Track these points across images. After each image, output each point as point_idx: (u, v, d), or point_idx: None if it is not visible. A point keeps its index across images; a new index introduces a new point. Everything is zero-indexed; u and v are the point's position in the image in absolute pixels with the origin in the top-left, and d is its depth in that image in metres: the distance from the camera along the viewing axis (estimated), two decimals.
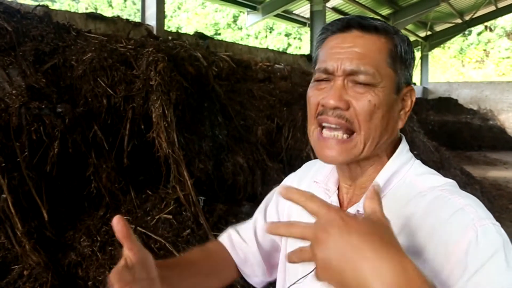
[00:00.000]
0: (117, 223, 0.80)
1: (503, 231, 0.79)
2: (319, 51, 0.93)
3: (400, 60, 0.88)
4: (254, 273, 1.15)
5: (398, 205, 0.85)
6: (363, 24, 0.88)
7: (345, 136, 0.86)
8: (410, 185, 0.88)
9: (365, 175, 0.92)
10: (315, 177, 1.03)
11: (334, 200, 0.96)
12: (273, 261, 1.15)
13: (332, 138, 0.87)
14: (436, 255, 0.76)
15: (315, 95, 0.90)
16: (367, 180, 0.91)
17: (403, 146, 0.94)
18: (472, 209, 0.78)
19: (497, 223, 0.79)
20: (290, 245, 1.07)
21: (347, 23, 0.89)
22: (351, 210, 0.90)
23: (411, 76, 0.92)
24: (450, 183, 0.87)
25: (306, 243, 0.97)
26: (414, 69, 0.95)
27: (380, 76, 0.85)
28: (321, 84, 0.90)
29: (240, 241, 1.15)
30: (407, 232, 0.81)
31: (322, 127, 0.89)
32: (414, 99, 0.92)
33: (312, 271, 0.92)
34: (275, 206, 1.14)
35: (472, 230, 0.75)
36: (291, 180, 1.16)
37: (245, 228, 1.17)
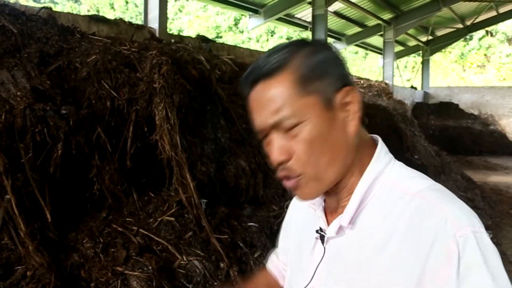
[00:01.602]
0: None
1: (485, 237, 0.79)
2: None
3: (312, 77, 0.85)
4: None
5: (381, 213, 0.85)
6: (259, 75, 0.86)
7: (294, 179, 0.87)
8: (391, 190, 0.87)
9: (346, 188, 0.91)
10: None
11: (319, 215, 0.97)
12: None
13: (289, 183, 0.88)
14: (424, 273, 0.77)
15: (268, 153, 0.90)
16: (348, 191, 0.90)
17: (380, 149, 0.92)
18: (454, 218, 0.78)
19: (481, 230, 0.79)
20: (290, 258, 1.11)
21: (249, 83, 0.89)
22: (336, 221, 0.90)
23: (340, 78, 0.87)
24: (432, 186, 0.86)
25: (301, 254, 1.01)
26: (342, 68, 0.89)
27: (300, 112, 0.84)
28: (265, 140, 0.90)
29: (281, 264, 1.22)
30: (393, 244, 0.82)
31: None
32: (356, 95, 0.88)
33: (308, 284, 0.94)
34: (285, 233, 1.19)
35: (454, 244, 0.76)
36: (293, 200, 1.17)
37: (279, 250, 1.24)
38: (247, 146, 4.17)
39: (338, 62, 0.89)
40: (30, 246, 2.55)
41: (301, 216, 1.07)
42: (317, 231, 0.94)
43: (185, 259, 2.85)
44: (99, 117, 3.15)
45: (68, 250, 2.77)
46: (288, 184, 0.88)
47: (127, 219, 3.09)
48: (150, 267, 2.68)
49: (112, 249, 2.82)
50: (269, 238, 3.32)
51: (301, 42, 0.89)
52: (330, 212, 0.96)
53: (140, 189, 3.31)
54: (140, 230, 2.99)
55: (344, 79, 0.88)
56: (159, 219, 3.09)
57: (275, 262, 1.25)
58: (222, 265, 2.92)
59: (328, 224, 0.94)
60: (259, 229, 3.36)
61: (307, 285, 0.95)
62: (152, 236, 2.97)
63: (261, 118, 0.87)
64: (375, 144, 0.93)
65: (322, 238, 0.93)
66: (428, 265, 0.77)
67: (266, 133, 0.88)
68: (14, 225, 2.61)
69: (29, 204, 2.72)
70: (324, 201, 0.98)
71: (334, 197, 0.94)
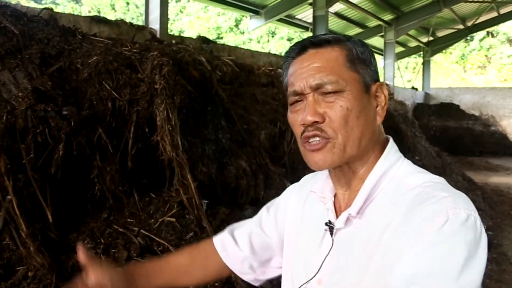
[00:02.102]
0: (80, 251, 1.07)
1: (478, 224, 0.81)
2: (287, 78, 0.99)
3: (359, 61, 0.94)
4: (243, 270, 1.21)
5: (388, 204, 0.89)
6: (315, 41, 0.95)
7: (323, 140, 0.91)
8: (399, 185, 0.91)
9: (357, 177, 0.96)
10: (312, 188, 1.08)
11: (329, 207, 1.00)
12: (266, 264, 1.20)
13: (314, 146, 0.91)
14: (407, 239, 0.80)
15: (293, 118, 0.96)
16: (359, 183, 0.95)
17: (391, 147, 0.97)
18: (450, 199, 0.82)
19: (475, 215, 0.81)
20: (289, 250, 1.11)
21: (301, 46, 0.96)
22: (345, 213, 0.93)
23: (376, 73, 0.97)
24: (436, 179, 0.90)
25: (308, 247, 1.02)
26: (376, 66, 0.99)
27: (345, 81, 0.91)
28: (296, 106, 0.96)
29: (232, 243, 1.20)
30: (391, 231, 0.85)
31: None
32: (386, 93, 0.97)
33: (315, 276, 0.95)
34: (274, 213, 1.19)
35: (443, 215, 0.78)
36: (291, 190, 1.21)
37: (241, 231, 1.22)
38: (248, 147, 4.17)
39: (375, 60, 0.99)
40: (31, 247, 2.55)
41: (309, 208, 1.08)
42: (326, 224, 0.97)
43: None
44: (100, 118, 3.15)
45: (69, 251, 2.77)
46: (312, 146, 0.91)
47: (128, 219, 3.10)
48: None
49: (113, 250, 2.83)
50: None
51: (348, 35, 0.99)
52: (340, 206, 0.99)
53: (141, 190, 3.31)
54: (141, 230, 2.99)
55: (378, 75, 0.98)
56: (160, 220, 3.09)
57: (226, 242, 1.22)
58: None
59: (337, 218, 0.97)
60: None
61: (313, 277, 0.97)
62: (153, 236, 2.97)
63: (305, 79, 0.92)
64: (388, 142, 0.99)
65: (331, 230, 0.96)
66: (413, 231, 0.80)
67: (301, 96, 0.94)
68: (16, 225, 2.61)
69: (30, 204, 2.73)
70: (334, 196, 1.02)
71: (345, 186, 0.98)
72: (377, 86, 0.96)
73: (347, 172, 0.96)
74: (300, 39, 1.00)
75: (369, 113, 0.93)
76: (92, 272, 1.05)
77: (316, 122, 0.90)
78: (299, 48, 0.96)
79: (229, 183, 3.74)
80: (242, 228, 1.23)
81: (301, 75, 0.93)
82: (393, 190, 0.91)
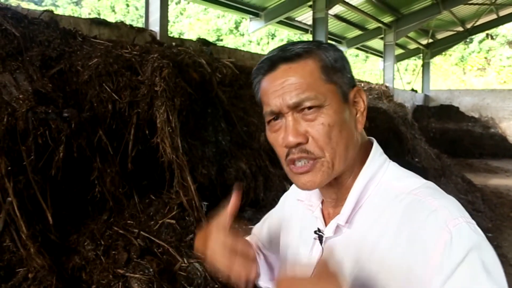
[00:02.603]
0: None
1: (478, 229, 0.80)
2: (259, 96, 0.95)
3: (334, 70, 0.90)
4: (262, 278, 1.19)
5: (377, 211, 0.88)
6: (285, 56, 0.90)
7: (311, 162, 0.88)
8: (386, 191, 0.89)
9: (345, 187, 0.93)
10: (298, 196, 1.06)
11: (317, 215, 0.98)
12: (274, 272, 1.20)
13: (302, 167, 0.88)
14: (416, 263, 0.78)
15: (274, 138, 0.92)
16: (346, 191, 0.92)
17: (375, 151, 0.95)
18: (445, 210, 0.80)
19: (472, 221, 0.81)
20: (285, 258, 1.11)
21: (271, 62, 0.91)
22: (334, 222, 0.92)
23: (352, 78, 0.93)
24: (425, 184, 0.88)
25: (298, 255, 1.01)
26: (351, 71, 0.95)
27: (323, 95, 0.87)
28: (274, 125, 0.91)
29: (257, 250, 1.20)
30: (386, 241, 0.83)
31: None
32: (364, 97, 0.94)
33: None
34: (274, 228, 1.18)
35: (446, 232, 0.77)
36: (284, 199, 1.20)
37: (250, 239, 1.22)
38: (248, 149, 4.18)
39: (349, 64, 0.95)
40: (32, 248, 2.56)
41: (299, 216, 1.08)
42: (315, 232, 0.96)
43: (186, 261, 2.86)
44: (101, 120, 3.16)
45: (69, 252, 2.78)
46: (299, 169, 0.88)
47: (128, 221, 3.10)
48: (151, 270, 2.69)
49: (113, 252, 2.83)
50: None
51: (318, 41, 0.95)
52: (328, 214, 0.98)
53: (141, 192, 3.32)
54: (141, 232, 3.00)
55: (353, 80, 0.94)
56: (160, 221, 3.10)
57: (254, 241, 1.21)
58: None
59: (326, 225, 0.95)
60: None
61: None
62: (153, 238, 2.98)
63: (281, 97, 0.88)
64: (372, 146, 0.97)
65: (320, 238, 0.95)
66: (419, 254, 0.78)
67: (278, 115, 0.90)
68: (16, 227, 2.62)
69: (30, 206, 2.73)
70: (322, 202, 1.00)
71: (333, 196, 0.96)
72: (355, 92, 0.92)
73: (334, 185, 0.94)
74: (268, 55, 0.94)
75: (351, 123, 0.91)
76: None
77: (300, 143, 0.87)
78: (269, 65, 0.91)
79: (229, 185, 3.75)
80: (250, 236, 1.23)
81: (276, 93, 0.88)
82: (381, 196, 0.89)
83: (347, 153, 0.89)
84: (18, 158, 2.73)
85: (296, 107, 0.87)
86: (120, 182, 3.18)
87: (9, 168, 2.67)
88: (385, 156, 0.96)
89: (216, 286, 2.83)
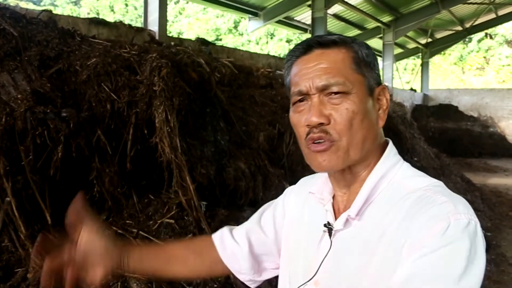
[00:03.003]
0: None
1: (479, 229, 0.81)
2: (290, 77, 0.98)
3: (364, 63, 0.94)
4: (241, 270, 1.18)
5: (386, 207, 0.89)
6: (321, 41, 0.94)
7: (328, 143, 0.90)
8: (397, 188, 0.91)
9: (357, 181, 0.95)
10: (311, 189, 1.07)
11: (328, 209, 0.99)
12: (263, 264, 1.19)
13: (320, 146, 0.91)
14: (409, 239, 0.80)
15: (297, 119, 0.95)
16: (359, 186, 0.94)
17: (390, 150, 0.97)
18: (450, 205, 0.82)
19: (475, 220, 0.82)
20: (287, 251, 1.11)
21: (307, 45, 0.95)
22: (344, 214, 0.93)
23: (379, 76, 0.97)
24: (436, 183, 0.90)
25: (306, 248, 1.02)
26: (379, 69, 0.99)
27: (351, 83, 0.90)
28: (299, 106, 0.95)
29: (230, 239, 1.19)
30: (392, 230, 0.85)
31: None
32: (388, 97, 0.97)
33: (313, 277, 0.95)
34: (272, 213, 1.18)
35: (445, 221, 0.79)
36: (290, 191, 1.20)
37: (239, 229, 1.22)
38: (247, 148, 4.18)
39: (378, 63, 0.99)
40: (30, 248, 2.55)
41: (308, 210, 1.08)
42: (325, 225, 0.96)
43: None
44: (99, 119, 3.16)
45: None
46: (317, 147, 0.91)
47: (127, 221, 3.10)
48: None
49: None
50: None
51: (352, 37, 0.99)
52: (338, 209, 0.99)
53: (140, 192, 3.32)
54: (140, 232, 2.99)
55: (380, 78, 0.98)
56: (159, 221, 3.10)
57: (224, 236, 1.20)
58: None
59: (336, 220, 0.96)
60: None
61: (311, 279, 0.96)
62: (152, 238, 2.97)
63: (311, 79, 0.91)
64: (387, 145, 0.99)
65: (329, 231, 0.95)
66: (415, 232, 0.80)
67: (305, 96, 0.93)
68: (15, 227, 2.62)
69: (29, 206, 2.73)
70: (333, 197, 1.01)
71: (344, 190, 0.98)
72: (380, 90, 0.96)
73: (347, 175, 0.96)
74: (303, 39, 1.00)
75: (372, 116, 0.93)
76: (82, 236, 1.01)
77: (322, 123, 0.90)
78: (305, 48, 0.95)
79: (228, 184, 3.75)
80: (241, 227, 1.22)
81: (307, 75, 0.92)
82: (392, 193, 0.91)
83: (364, 143, 0.92)
84: (17, 158, 2.73)
85: (324, 90, 0.91)
86: (118, 182, 3.17)
87: (8, 168, 2.66)
88: (399, 156, 0.98)
89: (215, 285, 2.83)
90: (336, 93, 0.90)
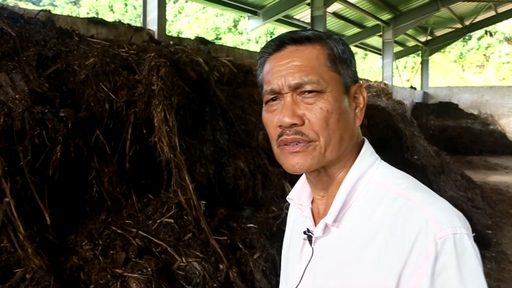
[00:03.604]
0: None
1: (465, 238, 0.80)
2: (262, 75, 0.94)
3: (340, 60, 0.90)
4: None
5: (367, 211, 0.87)
6: (295, 37, 0.90)
7: (304, 144, 0.87)
8: (375, 190, 0.89)
9: (335, 182, 0.93)
10: (289, 195, 1.04)
11: (307, 215, 0.97)
12: None
13: (293, 148, 0.87)
14: (405, 271, 0.80)
15: (269, 119, 0.91)
16: (337, 187, 0.92)
17: (366, 149, 0.94)
18: (434, 221, 0.80)
19: (461, 231, 0.80)
20: (283, 265, 1.10)
21: (280, 41, 0.92)
22: (321, 223, 0.91)
23: (355, 73, 0.94)
24: (416, 186, 0.88)
25: (292, 257, 0.99)
26: (356, 66, 0.96)
27: (325, 81, 0.87)
28: (272, 105, 0.91)
29: None
30: (376, 244, 0.83)
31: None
32: (365, 95, 0.94)
33: (297, 286, 0.94)
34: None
35: (433, 246, 0.78)
36: (291, 205, 1.15)
37: None
38: (246, 147, 4.17)
39: (355, 60, 0.96)
40: (29, 249, 2.55)
41: (292, 218, 1.07)
42: (304, 232, 0.94)
43: (184, 260, 2.85)
44: (98, 119, 3.15)
45: (67, 253, 2.77)
46: (291, 148, 0.87)
47: (126, 221, 3.09)
48: (149, 269, 2.68)
49: (111, 251, 2.83)
50: (268, 239, 3.32)
51: (329, 32, 0.95)
52: (318, 213, 0.96)
53: (139, 191, 3.31)
54: (139, 232, 2.99)
55: (357, 76, 0.95)
56: (158, 221, 3.09)
57: None
58: (221, 266, 2.92)
59: (316, 225, 0.94)
60: (258, 230, 3.36)
61: (296, 287, 0.95)
62: (151, 238, 2.97)
63: (284, 77, 0.88)
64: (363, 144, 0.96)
65: (310, 239, 0.93)
66: (408, 263, 0.79)
67: (278, 95, 0.90)
68: (13, 227, 2.61)
69: (28, 206, 2.72)
70: (312, 201, 0.99)
71: (321, 193, 0.95)
72: (357, 87, 0.92)
73: (323, 177, 0.93)
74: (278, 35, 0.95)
75: (349, 115, 0.90)
76: None
77: (295, 124, 0.86)
78: (277, 44, 0.91)
79: (227, 183, 3.74)
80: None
81: (279, 73, 0.88)
82: (370, 196, 0.88)
83: (341, 143, 0.88)
84: (15, 159, 2.72)
85: (297, 89, 0.87)
86: (118, 182, 3.17)
87: (6, 168, 2.66)
88: (376, 155, 0.95)
89: (215, 285, 2.82)
90: (309, 91, 0.86)
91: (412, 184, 0.88)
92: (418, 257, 0.79)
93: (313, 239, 0.92)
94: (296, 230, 1.01)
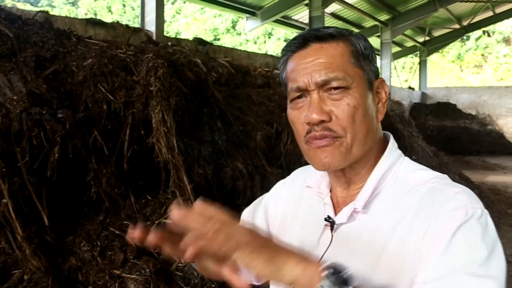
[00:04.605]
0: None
1: (490, 219, 0.83)
2: (286, 73, 0.95)
3: (363, 57, 0.92)
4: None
5: (394, 200, 0.88)
6: (318, 35, 0.91)
7: (331, 139, 0.88)
8: (402, 181, 0.90)
9: (358, 178, 0.94)
10: (307, 182, 1.04)
11: (327, 202, 0.97)
12: None
13: (321, 142, 0.88)
14: (430, 237, 0.79)
15: (296, 116, 0.92)
16: (361, 181, 0.93)
17: (392, 144, 0.96)
18: (464, 196, 0.82)
19: (486, 212, 0.83)
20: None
21: (303, 39, 0.92)
22: (348, 208, 0.91)
23: (377, 69, 0.95)
24: (441, 176, 0.90)
25: (302, 244, 0.98)
26: (376, 62, 0.98)
27: (351, 78, 0.88)
28: (298, 103, 0.92)
29: None
30: (403, 227, 0.83)
31: None
32: (387, 90, 0.96)
33: None
34: (264, 215, 1.13)
35: (464, 210, 0.79)
36: (281, 186, 1.17)
37: None
38: (244, 148, 4.17)
39: (375, 55, 0.97)
40: (27, 250, 2.55)
41: (304, 205, 1.04)
42: (325, 219, 0.94)
43: (182, 261, 2.85)
44: (96, 120, 3.15)
45: (65, 254, 2.77)
46: (320, 142, 0.88)
47: (125, 222, 3.09)
48: (147, 270, 2.68)
49: (110, 252, 2.83)
50: None
51: (350, 29, 0.97)
52: (337, 202, 0.97)
53: (137, 192, 3.31)
54: None
55: (378, 71, 0.96)
56: (157, 221, 3.09)
57: None
58: None
59: (336, 214, 0.94)
60: None
61: None
62: None
63: (310, 75, 0.88)
64: (387, 140, 0.98)
65: (331, 225, 0.93)
66: (432, 225, 0.80)
67: (304, 93, 0.90)
68: (11, 229, 2.61)
69: (26, 208, 2.72)
70: (330, 191, 0.99)
71: (344, 185, 0.96)
72: (379, 82, 0.94)
73: (348, 173, 0.94)
74: (300, 33, 0.96)
75: (373, 111, 0.92)
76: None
77: (323, 121, 0.87)
78: (301, 42, 0.92)
79: (226, 184, 3.74)
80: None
81: (305, 71, 0.89)
82: (397, 187, 0.90)
83: (367, 139, 0.90)
84: (13, 160, 2.72)
85: (323, 86, 0.88)
86: (116, 183, 3.17)
87: (4, 169, 2.66)
88: (400, 151, 0.97)
89: (213, 286, 2.83)
90: (336, 88, 0.87)
91: (437, 174, 0.90)
92: (447, 217, 0.79)
93: (335, 226, 0.92)
94: (310, 219, 0.99)
